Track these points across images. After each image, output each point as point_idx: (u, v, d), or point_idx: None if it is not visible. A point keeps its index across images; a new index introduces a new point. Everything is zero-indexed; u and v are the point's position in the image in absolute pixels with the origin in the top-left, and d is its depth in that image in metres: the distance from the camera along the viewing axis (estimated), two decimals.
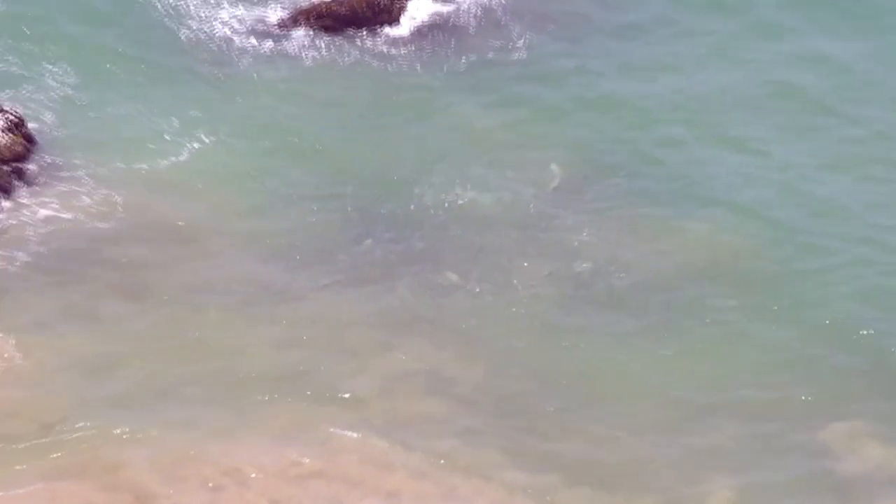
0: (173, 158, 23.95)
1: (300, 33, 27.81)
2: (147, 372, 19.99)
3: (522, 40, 28.07)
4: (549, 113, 26.23)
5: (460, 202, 23.72)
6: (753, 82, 27.13)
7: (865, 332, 20.96)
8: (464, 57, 27.38)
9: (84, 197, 22.97)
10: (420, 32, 27.98)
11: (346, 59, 27.30)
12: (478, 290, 21.65)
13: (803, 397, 20.01)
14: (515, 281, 21.84)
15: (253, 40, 27.24)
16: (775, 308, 21.47)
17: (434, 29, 28.12)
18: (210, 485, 18.19)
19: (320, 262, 22.18)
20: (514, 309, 21.32)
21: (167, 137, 24.34)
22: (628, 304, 21.40)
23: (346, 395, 19.67)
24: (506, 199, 23.84)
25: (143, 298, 21.24)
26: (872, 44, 28.02)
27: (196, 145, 24.24)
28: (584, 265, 22.30)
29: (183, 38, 27.26)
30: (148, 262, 21.90)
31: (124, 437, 18.82)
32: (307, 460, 18.70)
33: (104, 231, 22.46)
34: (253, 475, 18.35)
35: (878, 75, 27.22)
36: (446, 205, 23.53)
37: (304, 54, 27.45)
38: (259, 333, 20.56)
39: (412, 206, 23.34)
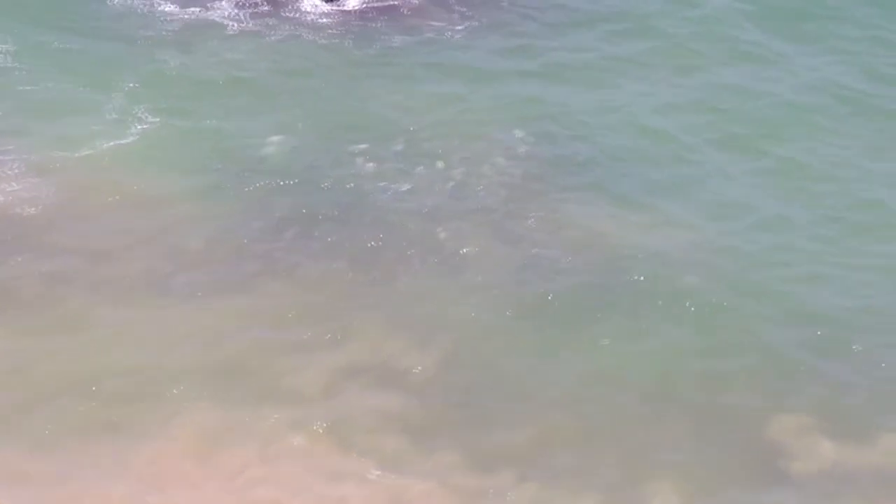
0: (114, 142, 23.33)
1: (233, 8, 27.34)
2: (60, 368, 19.12)
3: (465, 22, 27.51)
4: (492, 92, 25.71)
5: (403, 186, 23.10)
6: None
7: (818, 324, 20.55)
8: (400, 35, 26.90)
9: (13, 183, 22.28)
10: (355, 9, 27.39)
11: (277, 32, 26.69)
12: (428, 278, 21.09)
13: (750, 389, 19.56)
14: (467, 268, 21.35)
15: (182, 9, 26.91)
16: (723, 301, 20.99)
17: (370, 7, 27.44)
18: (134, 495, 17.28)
19: (259, 250, 21.42)
20: (466, 297, 20.75)
21: (108, 116, 23.90)
22: (581, 291, 20.99)
23: (288, 393, 18.70)
24: (452, 183, 23.31)
25: (66, 288, 20.40)
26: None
27: (139, 126, 23.71)
28: (538, 252, 21.89)
29: (114, 7, 26.92)
30: (77, 251, 21.13)
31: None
32: (246, 467, 17.87)
33: (33, 218, 21.70)
34: (183, 485, 17.42)
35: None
36: (387, 188, 22.90)
37: (237, 27, 26.95)
38: (189, 326, 19.69)
39: (351, 189, 22.69)
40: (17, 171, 22.36)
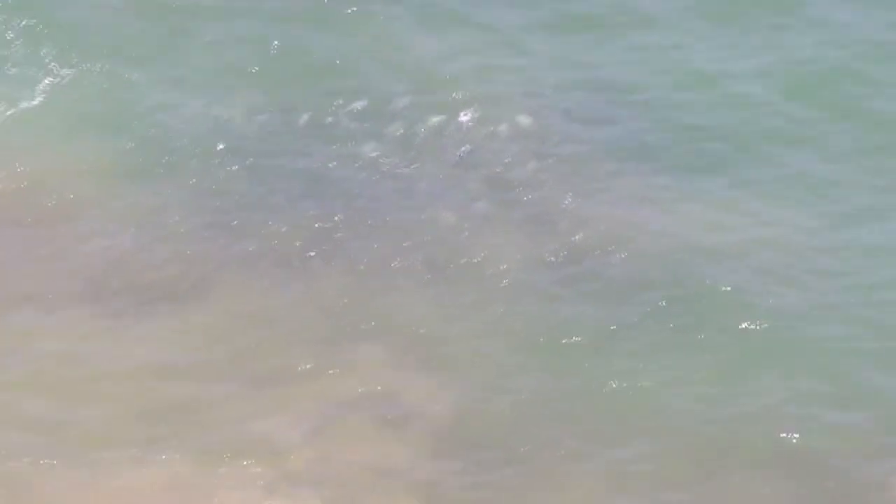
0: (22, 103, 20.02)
1: None
2: None
3: None
4: (522, 45, 21.82)
5: (403, 168, 19.60)
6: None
7: None
8: None
9: None
10: None
11: None
12: (437, 279, 18.10)
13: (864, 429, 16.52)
14: (488, 277, 18.17)
15: None
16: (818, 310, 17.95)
17: None
18: None
19: (221, 240, 18.36)
20: (487, 316, 17.71)
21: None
22: (628, 296, 18.03)
23: (263, 443, 15.98)
24: (469, 165, 19.72)
25: None
26: None
27: (49, 80, 20.34)
28: (579, 258, 18.56)
29: None
30: None
31: None
32: None
33: None
34: None
35: None
36: (384, 169, 19.56)
37: None
38: (129, 351, 16.84)
39: (335, 169, 19.45)
40: None
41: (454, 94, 20.53)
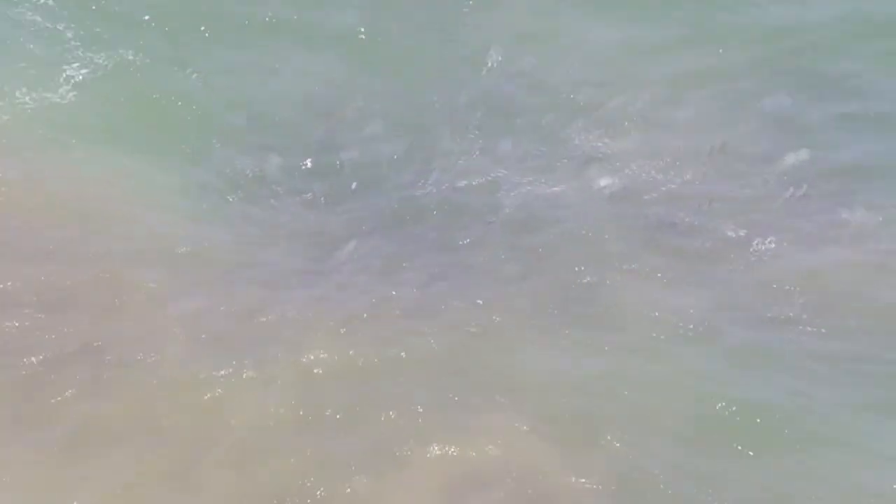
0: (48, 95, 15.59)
1: None
2: None
3: None
4: (691, 18, 16.67)
5: (537, 187, 14.72)
6: None
7: None
8: None
9: None
10: None
11: None
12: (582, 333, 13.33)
13: None
14: (628, 317, 13.62)
15: None
16: None
17: None
18: None
19: (280, 282, 13.94)
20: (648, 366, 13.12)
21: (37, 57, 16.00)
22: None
23: None
24: (622, 185, 14.94)
25: None
26: None
27: (84, 72, 15.88)
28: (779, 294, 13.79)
29: None
30: None
31: None
32: None
33: None
34: None
35: None
36: (506, 189, 14.79)
37: None
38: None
39: (436, 184, 14.79)
40: None
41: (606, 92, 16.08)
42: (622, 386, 12.83)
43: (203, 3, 16.66)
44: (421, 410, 12.65)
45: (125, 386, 12.79)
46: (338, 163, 14.92)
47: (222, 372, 12.89)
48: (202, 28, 16.32)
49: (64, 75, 15.72)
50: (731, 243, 14.05)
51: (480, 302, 13.52)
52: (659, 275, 13.72)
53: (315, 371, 13.01)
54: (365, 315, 13.39)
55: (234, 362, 12.91)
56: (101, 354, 12.97)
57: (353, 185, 14.71)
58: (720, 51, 16.10)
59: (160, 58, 15.98)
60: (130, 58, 15.89)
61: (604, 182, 14.58)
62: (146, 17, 16.39)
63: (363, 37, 16.36)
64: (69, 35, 16.20)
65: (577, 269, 13.77)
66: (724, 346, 13.07)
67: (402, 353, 13.04)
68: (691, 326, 13.36)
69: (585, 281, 13.65)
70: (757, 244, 14.11)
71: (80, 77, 15.80)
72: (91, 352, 13.00)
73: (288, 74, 15.91)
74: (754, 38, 16.29)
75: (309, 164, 14.92)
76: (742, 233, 14.22)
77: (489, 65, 15.85)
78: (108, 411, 12.57)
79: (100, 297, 13.50)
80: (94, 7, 16.59)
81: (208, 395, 12.71)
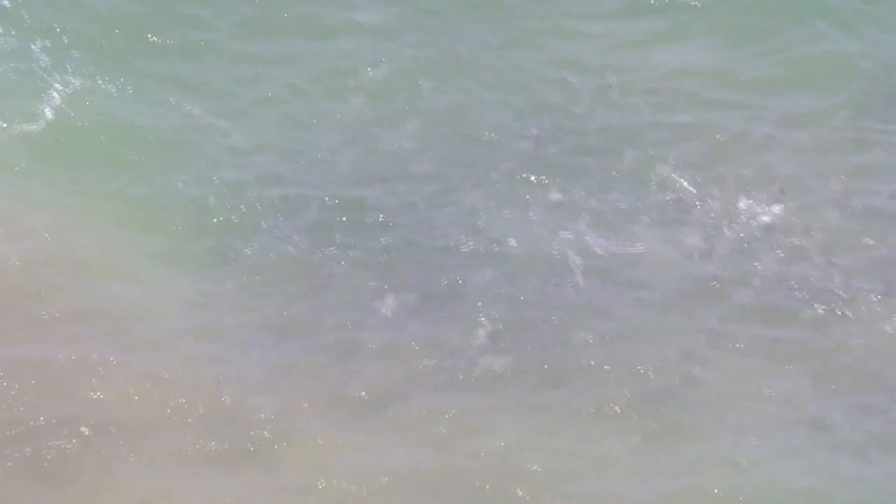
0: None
1: None
2: None
3: None
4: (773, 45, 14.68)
5: (598, 242, 12.74)
6: None
7: None
8: None
9: None
10: None
11: None
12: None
13: None
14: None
15: None
16: None
17: None
18: None
19: (298, 341, 12.03)
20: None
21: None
22: None
23: None
24: (714, 243, 12.86)
25: None
26: None
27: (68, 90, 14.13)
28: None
29: None
30: None
31: None
32: None
33: None
34: None
35: None
36: (571, 242, 12.75)
37: None
38: None
39: (486, 230, 12.89)
40: None
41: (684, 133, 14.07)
42: None
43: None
44: None
45: None
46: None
47: None
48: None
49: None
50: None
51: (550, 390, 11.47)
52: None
53: None
54: None
55: None
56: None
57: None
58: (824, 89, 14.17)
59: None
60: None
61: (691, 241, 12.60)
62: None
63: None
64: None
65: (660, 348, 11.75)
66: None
67: None
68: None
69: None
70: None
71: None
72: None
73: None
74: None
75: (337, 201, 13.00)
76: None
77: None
78: None
79: None
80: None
81: None
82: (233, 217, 12.77)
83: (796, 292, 12.15)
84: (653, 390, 11.26)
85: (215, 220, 12.70)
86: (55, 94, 14.02)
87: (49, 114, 13.87)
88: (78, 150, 13.44)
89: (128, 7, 14.71)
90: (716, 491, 10.66)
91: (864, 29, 14.65)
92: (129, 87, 13.92)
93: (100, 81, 13.96)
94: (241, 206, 12.81)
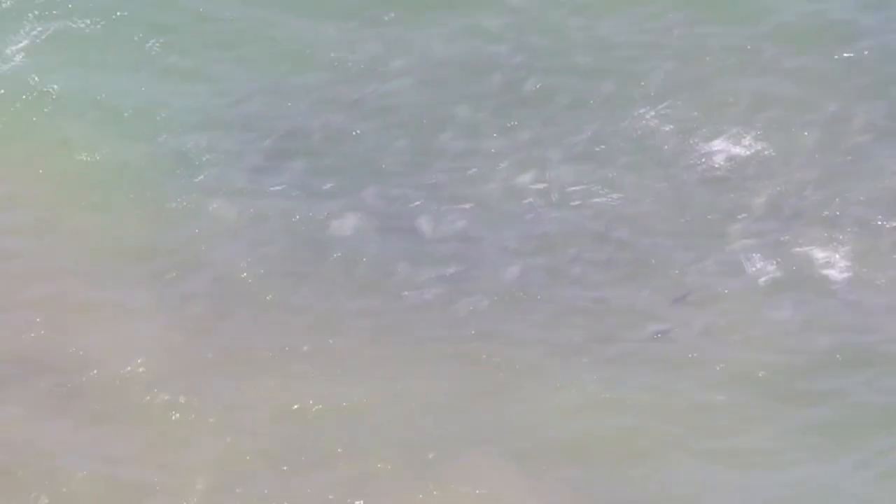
0: None
1: None
2: None
3: None
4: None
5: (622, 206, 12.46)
6: None
7: None
8: None
9: None
10: None
11: None
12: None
13: None
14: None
15: None
16: None
17: None
18: None
19: (313, 324, 11.81)
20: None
21: None
22: None
23: None
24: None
25: None
26: None
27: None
28: None
29: None
30: None
31: None
32: None
33: None
34: None
35: None
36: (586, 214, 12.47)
37: None
38: None
39: (488, 205, 12.61)
40: None
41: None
42: None
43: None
44: None
45: None
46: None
47: None
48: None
49: None
50: None
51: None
52: None
53: None
54: None
55: None
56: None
57: None
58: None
59: None
60: None
61: None
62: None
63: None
64: None
65: None
66: None
67: None
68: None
69: None
70: None
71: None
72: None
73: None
74: None
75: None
76: None
77: None
78: None
79: None
80: None
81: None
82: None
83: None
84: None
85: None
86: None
87: None
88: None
89: None
90: None
91: None
92: None
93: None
94: None
